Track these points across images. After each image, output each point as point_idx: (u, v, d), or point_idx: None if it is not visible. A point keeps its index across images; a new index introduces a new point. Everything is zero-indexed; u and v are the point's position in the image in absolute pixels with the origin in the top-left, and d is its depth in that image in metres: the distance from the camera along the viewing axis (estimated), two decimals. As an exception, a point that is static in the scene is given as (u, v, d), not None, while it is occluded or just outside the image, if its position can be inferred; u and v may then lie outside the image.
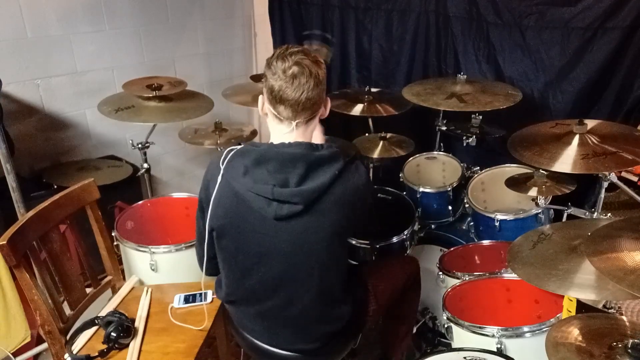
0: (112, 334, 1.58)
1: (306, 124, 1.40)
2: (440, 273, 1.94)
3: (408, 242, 2.15)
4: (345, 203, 1.37)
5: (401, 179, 2.45)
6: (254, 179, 1.33)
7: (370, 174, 2.78)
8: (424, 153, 2.62)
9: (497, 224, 2.10)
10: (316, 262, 1.41)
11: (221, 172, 1.39)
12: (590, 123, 1.92)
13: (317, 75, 1.33)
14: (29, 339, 1.98)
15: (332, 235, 1.39)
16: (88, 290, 1.85)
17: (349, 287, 1.56)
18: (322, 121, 1.49)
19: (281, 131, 1.39)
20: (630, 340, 1.19)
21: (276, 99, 1.34)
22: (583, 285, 1.42)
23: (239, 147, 1.41)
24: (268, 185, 1.31)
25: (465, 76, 2.49)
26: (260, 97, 1.43)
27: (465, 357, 1.43)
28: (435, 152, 2.64)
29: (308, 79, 1.32)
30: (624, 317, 1.36)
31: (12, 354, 1.90)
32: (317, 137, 1.48)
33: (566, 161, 1.77)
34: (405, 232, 2.12)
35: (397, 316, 1.88)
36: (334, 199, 1.35)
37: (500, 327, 1.52)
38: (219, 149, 2.63)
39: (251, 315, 1.56)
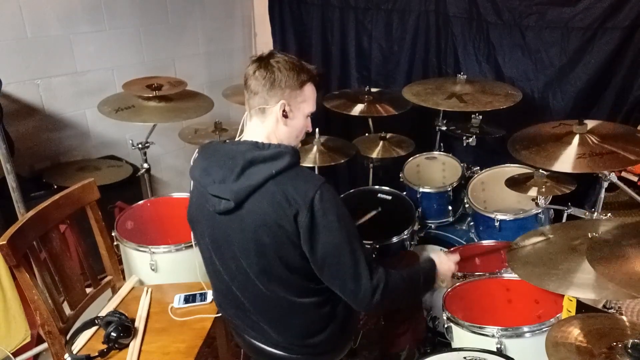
0: (112, 334, 1.59)
1: (259, 116, 1.42)
2: (441, 273, 1.94)
3: (408, 242, 2.16)
4: (280, 204, 1.30)
5: (401, 179, 2.45)
6: (201, 173, 1.41)
7: (370, 174, 2.78)
8: (424, 153, 2.61)
9: (497, 224, 2.10)
10: (260, 259, 1.38)
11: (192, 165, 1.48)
12: (591, 123, 1.91)
13: (272, 70, 1.37)
14: (29, 339, 1.98)
15: (265, 234, 1.33)
16: (88, 290, 1.86)
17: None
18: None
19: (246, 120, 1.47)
20: (630, 340, 1.19)
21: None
22: (583, 285, 1.42)
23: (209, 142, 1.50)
24: (209, 180, 1.37)
25: (465, 76, 2.48)
26: None
27: (465, 357, 1.43)
28: (435, 152, 2.63)
29: (260, 66, 1.38)
30: (624, 317, 1.36)
31: (12, 354, 1.90)
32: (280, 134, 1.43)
33: (566, 161, 1.76)
34: (405, 232, 2.12)
35: (395, 315, 1.88)
36: (267, 198, 1.31)
37: (500, 327, 1.52)
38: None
39: (233, 312, 1.57)
